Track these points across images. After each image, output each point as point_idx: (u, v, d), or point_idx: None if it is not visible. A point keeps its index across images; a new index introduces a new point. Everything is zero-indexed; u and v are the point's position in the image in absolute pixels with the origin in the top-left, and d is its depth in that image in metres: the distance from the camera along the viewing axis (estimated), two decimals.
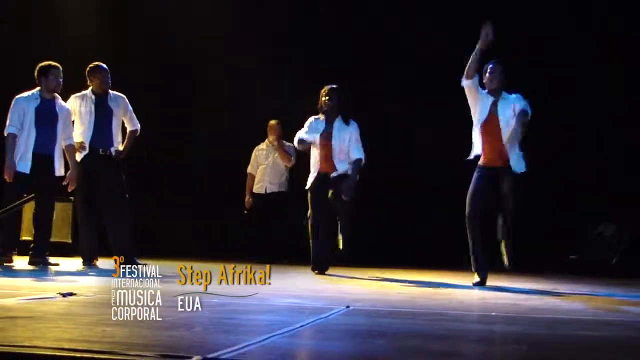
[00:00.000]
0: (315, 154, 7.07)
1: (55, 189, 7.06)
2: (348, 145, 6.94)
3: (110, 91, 7.23)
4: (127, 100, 7.31)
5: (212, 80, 9.95)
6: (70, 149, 7.08)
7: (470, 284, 5.87)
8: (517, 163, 5.96)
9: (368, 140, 7.12)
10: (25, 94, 7.01)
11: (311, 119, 7.12)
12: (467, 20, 6.91)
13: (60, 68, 7.04)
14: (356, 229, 7.15)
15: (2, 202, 6.67)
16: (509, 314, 3.97)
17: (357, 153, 6.94)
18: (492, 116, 6.02)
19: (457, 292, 5.41)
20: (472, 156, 6.15)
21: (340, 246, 6.89)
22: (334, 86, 7.05)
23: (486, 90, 6.08)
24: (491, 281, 6.13)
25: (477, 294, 5.27)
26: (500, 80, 6.04)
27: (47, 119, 6.97)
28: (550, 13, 9.18)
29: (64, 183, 7.00)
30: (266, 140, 9.22)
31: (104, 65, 7.22)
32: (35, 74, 7.02)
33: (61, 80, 7.04)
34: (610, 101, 8.90)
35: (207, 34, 9.74)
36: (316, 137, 6.98)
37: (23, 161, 6.89)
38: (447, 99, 6.85)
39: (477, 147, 6.12)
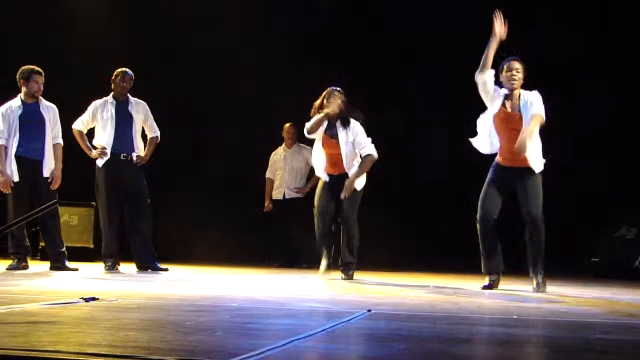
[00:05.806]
0: (319, 153, 6.84)
1: (55, 193, 7.02)
2: (353, 148, 6.69)
3: (131, 97, 7.27)
4: (147, 107, 7.34)
5: (230, 80, 9.91)
6: (58, 147, 7.11)
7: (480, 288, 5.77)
8: (536, 162, 5.64)
9: (382, 142, 6.96)
10: (6, 105, 7.00)
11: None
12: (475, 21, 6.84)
13: (43, 73, 7.04)
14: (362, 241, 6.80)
15: (8, 213, 6.77)
16: (530, 317, 3.95)
17: (367, 150, 6.69)
18: (512, 113, 5.68)
19: (477, 295, 5.38)
20: (476, 143, 5.87)
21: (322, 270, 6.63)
22: (335, 88, 6.80)
23: (501, 89, 5.73)
24: (512, 284, 6.11)
25: (498, 297, 5.25)
26: (519, 79, 5.66)
27: (33, 123, 6.99)
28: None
29: (49, 180, 7.02)
30: (283, 145, 9.23)
31: (130, 72, 7.25)
32: (17, 77, 7.02)
33: (42, 84, 7.02)
34: (632, 102, 8.84)
35: (226, 34, 9.75)
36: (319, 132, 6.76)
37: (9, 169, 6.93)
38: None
39: (488, 142, 5.82)
